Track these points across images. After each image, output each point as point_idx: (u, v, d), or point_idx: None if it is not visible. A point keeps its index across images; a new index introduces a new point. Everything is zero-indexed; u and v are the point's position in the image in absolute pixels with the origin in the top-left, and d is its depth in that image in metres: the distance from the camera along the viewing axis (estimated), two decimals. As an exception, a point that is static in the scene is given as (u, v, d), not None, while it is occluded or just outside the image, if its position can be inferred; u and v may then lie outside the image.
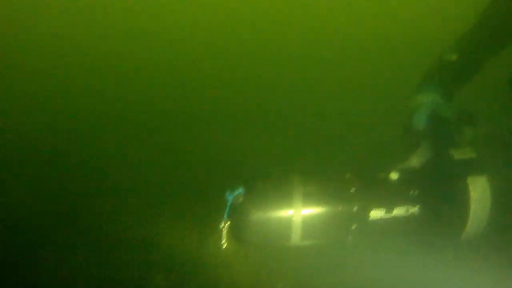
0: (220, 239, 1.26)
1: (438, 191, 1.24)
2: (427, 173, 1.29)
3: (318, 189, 1.24)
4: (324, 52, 6.48)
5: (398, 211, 1.24)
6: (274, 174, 1.28)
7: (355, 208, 1.22)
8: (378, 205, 1.23)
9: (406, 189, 1.25)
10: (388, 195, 1.24)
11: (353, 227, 1.22)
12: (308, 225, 1.23)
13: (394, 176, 1.27)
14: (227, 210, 1.27)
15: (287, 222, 1.22)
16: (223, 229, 1.28)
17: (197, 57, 6.68)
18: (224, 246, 1.30)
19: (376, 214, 1.23)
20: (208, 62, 6.48)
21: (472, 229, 1.23)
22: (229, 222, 1.26)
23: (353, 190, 1.23)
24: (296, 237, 1.23)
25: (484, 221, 1.22)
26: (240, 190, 1.27)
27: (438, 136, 1.34)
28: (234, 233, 1.27)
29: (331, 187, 1.25)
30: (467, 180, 1.22)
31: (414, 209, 1.25)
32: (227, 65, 6.34)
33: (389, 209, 1.24)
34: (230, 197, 1.27)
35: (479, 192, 1.22)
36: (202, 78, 6.05)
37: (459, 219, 1.22)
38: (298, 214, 1.21)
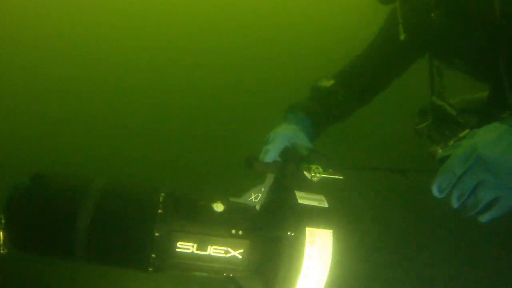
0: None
1: (265, 237, 1.05)
2: (262, 213, 1.10)
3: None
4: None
5: (214, 250, 1.04)
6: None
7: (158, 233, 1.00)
8: (188, 239, 1.02)
9: (230, 226, 1.05)
10: (205, 231, 1.04)
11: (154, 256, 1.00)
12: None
13: (218, 207, 1.07)
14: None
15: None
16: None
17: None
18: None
19: (185, 247, 1.02)
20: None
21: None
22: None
23: (160, 211, 1.02)
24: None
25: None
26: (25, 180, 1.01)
27: (286, 174, 1.17)
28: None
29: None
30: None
31: (238, 251, 1.05)
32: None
33: (202, 246, 1.03)
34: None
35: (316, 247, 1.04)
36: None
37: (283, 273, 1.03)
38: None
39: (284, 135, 1.26)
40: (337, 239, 1.03)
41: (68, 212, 0.99)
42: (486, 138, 0.99)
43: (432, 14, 1.38)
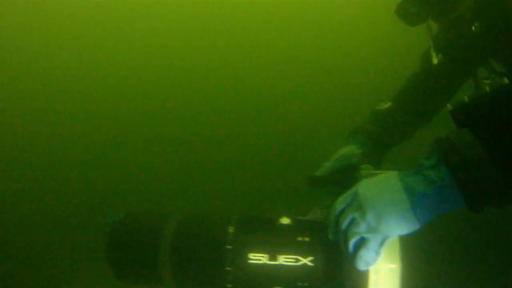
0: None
1: (332, 242, 1.10)
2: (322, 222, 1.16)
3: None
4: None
5: (285, 259, 1.10)
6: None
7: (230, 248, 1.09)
8: (258, 250, 1.10)
9: (297, 235, 1.11)
10: (275, 240, 1.11)
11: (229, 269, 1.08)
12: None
13: (285, 221, 1.14)
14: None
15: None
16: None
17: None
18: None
19: (257, 258, 1.09)
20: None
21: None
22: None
23: (231, 229, 1.12)
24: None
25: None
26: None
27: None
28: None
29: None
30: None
31: (305, 260, 1.10)
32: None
33: (273, 256, 1.09)
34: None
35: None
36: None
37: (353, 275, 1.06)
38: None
39: (342, 155, 1.33)
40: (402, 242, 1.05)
41: (151, 247, 1.15)
42: (373, 179, 1.02)
43: (473, 27, 1.36)
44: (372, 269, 1.02)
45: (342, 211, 1.01)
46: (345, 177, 1.24)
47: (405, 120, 1.60)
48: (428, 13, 1.38)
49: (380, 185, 0.98)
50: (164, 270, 1.13)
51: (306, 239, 1.11)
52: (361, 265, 0.98)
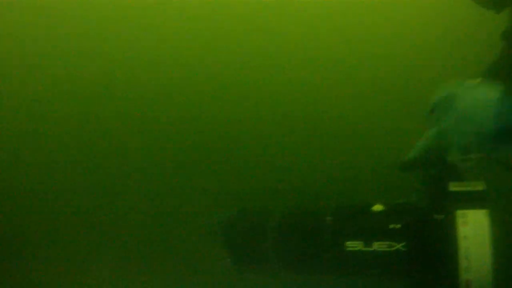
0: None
1: (424, 226, 1.14)
2: (415, 205, 1.19)
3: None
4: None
5: (379, 245, 1.18)
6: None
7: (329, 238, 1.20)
8: (355, 237, 1.19)
9: (387, 222, 1.18)
10: (368, 227, 1.19)
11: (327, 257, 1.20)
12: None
13: (377, 207, 1.21)
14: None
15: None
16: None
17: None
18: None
19: (353, 246, 1.19)
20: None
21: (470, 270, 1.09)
22: None
23: (329, 219, 1.22)
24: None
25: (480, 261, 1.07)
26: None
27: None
28: None
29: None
30: (456, 214, 1.10)
31: (398, 245, 1.16)
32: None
33: (369, 242, 1.18)
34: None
35: (471, 228, 1.08)
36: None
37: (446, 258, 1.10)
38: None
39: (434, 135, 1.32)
40: (494, 218, 1.05)
41: (261, 238, 1.31)
42: None
43: None
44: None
45: None
46: (438, 160, 1.25)
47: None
48: None
49: None
50: (272, 257, 1.30)
51: (399, 225, 1.17)
52: None
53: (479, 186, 1.13)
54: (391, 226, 1.17)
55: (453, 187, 1.15)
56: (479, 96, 1.20)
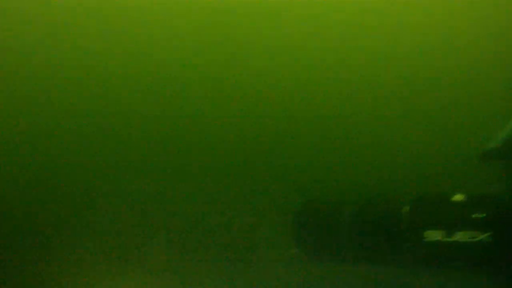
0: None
1: (509, 216, 1.10)
2: (496, 195, 1.16)
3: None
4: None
5: (461, 236, 1.15)
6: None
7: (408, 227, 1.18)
8: (436, 227, 1.16)
9: (470, 212, 1.15)
10: (449, 217, 1.16)
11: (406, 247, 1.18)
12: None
13: (458, 197, 1.18)
14: None
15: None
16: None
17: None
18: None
19: (434, 236, 1.16)
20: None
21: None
22: None
23: (406, 209, 1.20)
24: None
25: None
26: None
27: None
28: None
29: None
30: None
31: (482, 236, 1.13)
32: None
33: (450, 233, 1.15)
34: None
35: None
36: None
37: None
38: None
39: None
40: None
41: (334, 228, 1.31)
42: None
43: None
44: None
45: None
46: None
47: None
48: None
49: None
50: (346, 246, 1.29)
51: (482, 215, 1.14)
52: None
53: None
54: (474, 216, 1.14)
55: None
56: None
